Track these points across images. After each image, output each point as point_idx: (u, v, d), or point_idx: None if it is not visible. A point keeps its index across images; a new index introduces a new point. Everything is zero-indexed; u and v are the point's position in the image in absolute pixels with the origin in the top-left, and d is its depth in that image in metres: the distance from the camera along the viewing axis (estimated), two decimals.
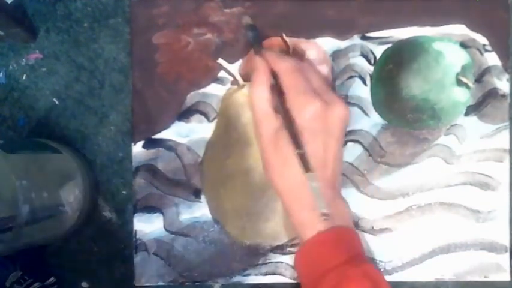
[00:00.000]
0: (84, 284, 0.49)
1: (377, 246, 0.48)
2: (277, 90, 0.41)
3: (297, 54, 0.47)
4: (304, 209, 0.40)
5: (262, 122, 0.41)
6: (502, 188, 0.48)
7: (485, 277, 0.47)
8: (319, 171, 0.40)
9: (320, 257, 0.39)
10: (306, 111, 0.40)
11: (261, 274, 0.48)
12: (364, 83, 0.48)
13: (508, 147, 0.48)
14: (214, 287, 0.48)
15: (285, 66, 0.41)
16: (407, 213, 0.48)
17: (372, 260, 0.47)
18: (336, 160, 0.41)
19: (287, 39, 0.47)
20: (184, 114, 0.48)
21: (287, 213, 0.42)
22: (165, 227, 0.48)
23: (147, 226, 0.48)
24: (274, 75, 0.42)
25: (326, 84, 0.43)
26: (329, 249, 0.39)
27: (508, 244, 0.48)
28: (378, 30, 0.48)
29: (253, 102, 0.42)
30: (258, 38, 0.45)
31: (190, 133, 0.48)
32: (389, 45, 0.47)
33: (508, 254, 0.48)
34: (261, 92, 0.41)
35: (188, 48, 0.48)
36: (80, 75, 0.49)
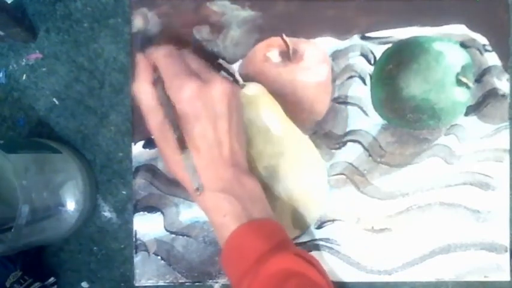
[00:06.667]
0: (84, 284, 0.49)
1: (377, 246, 0.48)
2: (160, 81, 0.40)
3: (297, 54, 0.47)
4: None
5: (147, 117, 0.40)
6: (502, 188, 0.48)
7: (485, 277, 0.47)
8: (215, 151, 0.39)
9: (241, 253, 0.38)
10: (183, 93, 0.38)
11: None
12: (364, 83, 0.48)
13: (508, 147, 0.48)
14: (214, 287, 0.48)
15: (159, 54, 0.40)
16: (407, 213, 0.48)
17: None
18: (231, 137, 0.39)
19: (287, 39, 0.46)
20: None
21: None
22: (165, 227, 0.48)
23: (147, 226, 0.48)
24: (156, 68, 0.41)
25: (206, 65, 0.42)
26: (250, 241, 0.38)
27: (508, 244, 0.48)
28: (378, 30, 0.48)
29: (138, 100, 0.40)
30: (144, 40, 0.46)
31: None
32: (389, 45, 0.47)
33: (508, 254, 0.48)
34: (141, 88, 0.40)
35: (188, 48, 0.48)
36: (80, 75, 0.49)
